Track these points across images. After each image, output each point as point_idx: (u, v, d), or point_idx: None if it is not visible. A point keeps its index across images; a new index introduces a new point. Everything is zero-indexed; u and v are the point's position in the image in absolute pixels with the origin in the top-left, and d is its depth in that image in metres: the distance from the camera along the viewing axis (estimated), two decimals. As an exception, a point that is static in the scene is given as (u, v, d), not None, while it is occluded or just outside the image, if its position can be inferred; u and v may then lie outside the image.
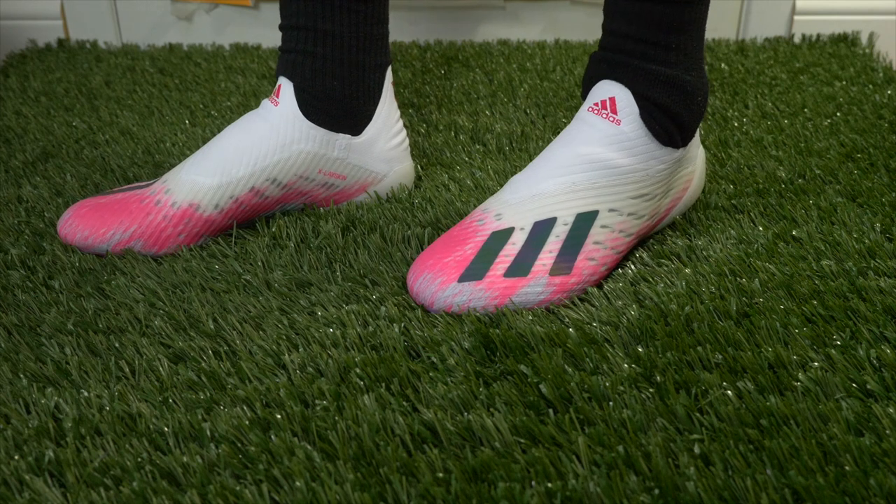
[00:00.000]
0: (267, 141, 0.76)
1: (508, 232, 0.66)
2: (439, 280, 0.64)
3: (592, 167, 0.68)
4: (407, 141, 0.84)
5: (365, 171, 0.81)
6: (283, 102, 0.77)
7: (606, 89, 0.70)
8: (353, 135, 0.79)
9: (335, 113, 0.78)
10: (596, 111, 0.69)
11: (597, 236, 0.67)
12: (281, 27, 0.79)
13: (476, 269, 0.65)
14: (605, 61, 0.70)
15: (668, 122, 0.69)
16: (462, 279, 0.64)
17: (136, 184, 0.79)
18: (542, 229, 0.66)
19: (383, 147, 0.81)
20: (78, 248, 0.75)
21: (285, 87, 0.77)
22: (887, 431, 0.52)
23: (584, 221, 0.67)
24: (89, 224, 0.74)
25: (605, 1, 0.71)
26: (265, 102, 0.78)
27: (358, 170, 0.80)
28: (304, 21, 0.76)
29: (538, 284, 0.65)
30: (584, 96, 0.73)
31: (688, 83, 0.69)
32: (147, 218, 0.74)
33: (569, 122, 0.99)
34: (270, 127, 0.76)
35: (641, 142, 0.69)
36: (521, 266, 0.65)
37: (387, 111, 0.81)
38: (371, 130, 0.80)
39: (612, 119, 0.69)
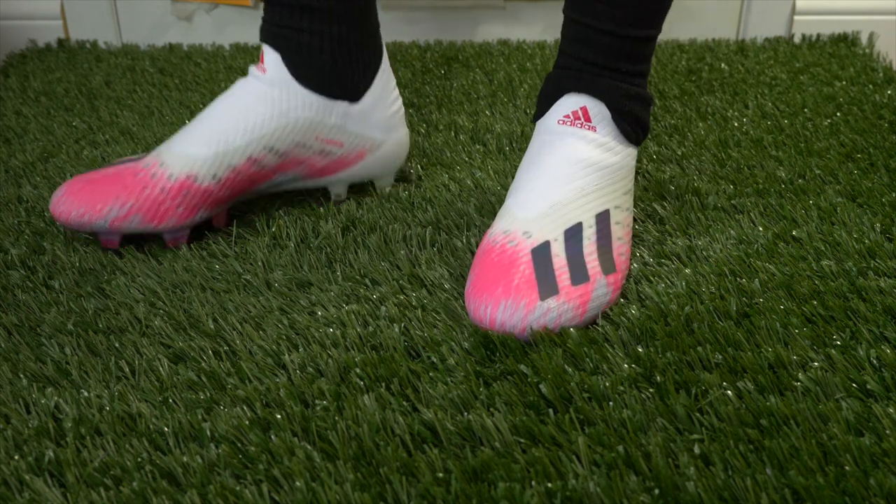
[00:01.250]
0: (263, 108, 0.75)
1: (545, 246, 0.65)
2: (523, 303, 0.62)
3: (592, 170, 0.69)
4: (402, 109, 0.84)
5: (363, 138, 0.80)
6: (272, 68, 0.76)
7: (574, 101, 0.71)
8: (351, 101, 0.79)
9: (329, 83, 0.77)
10: (569, 122, 0.71)
11: (616, 232, 0.69)
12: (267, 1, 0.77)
13: (548, 286, 0.63)
14: (570, 77, 0.71)
15: (635, 125, 0.72)
16: (543, 297, 0.62)
17: (128, 157, 0.77)
18: (573, 235, 0.66)
19: (382, 114, 0.81)
20: (73, 227, 0.73)
21: (270, 55, 0.76)
22: (887, 431, 0.52)
23: (603, 221, 0.68)
24: (84, 200, 0.72)
25: (568, 28, 0.72)
26: (253, 70, 0.77)
27: (356, 137, 0.80)
28: None
29: (601, 286, 0.65)
30: (540, 114, 0.73)
31: (649, 96, 0.73)
32: (144, 191, 0.73)
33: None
34: (266, 94, 0.75)
35: (617, 142, 0.71)
36: (579, 272, 0.64)
37: (385, 78, 0.81)
38: (369, 98, 0.79)
39: (587, 127, 0.70)
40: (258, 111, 0.75)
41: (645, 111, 0.73)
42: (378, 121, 0.81)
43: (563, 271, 0.64)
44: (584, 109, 0.71)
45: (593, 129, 0.70)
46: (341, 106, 0.78)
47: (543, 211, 0.67)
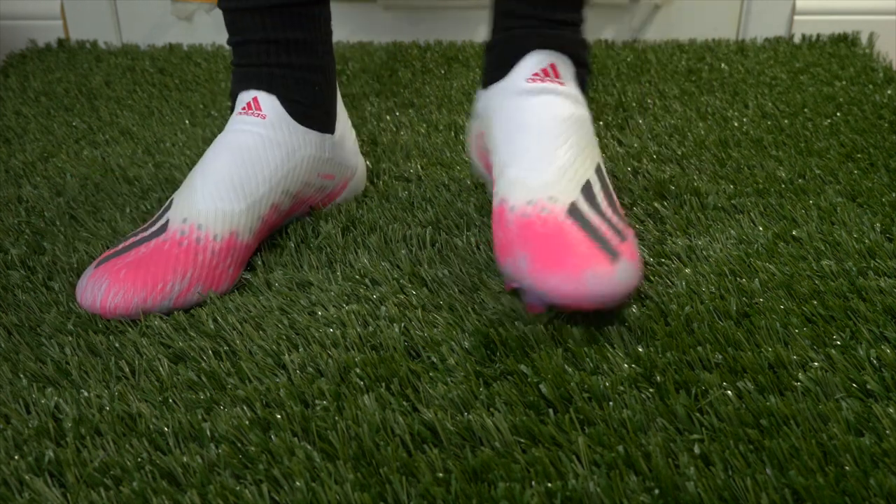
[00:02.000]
0: (275, 154, 0.74)
1: (575, 208, 0.64)
2: (603, 269, 0.59)
3: (578, 125, 0.70)
4: None
5: (345, 168, 0.81)
6: (271, 113, 0.74)
7: (541, 57, 0.71)
8: (332, 132, 0.79)
9: (321, 117, 0.78)
10: (539, 79, 0.71)
11: (609, 185, 0.70)
12: (236, 42, 0.76)
13: (608, 248, 0.61)
14: (531, 35, 0.72)
15: (587, 73, 0.74)
16: (612, 261, 0.60)
17: (134, 232, 0.71)
18: (588, 193, 0.66)
19: (351, 140, 0.82)
20: (127, 317, 0.65)
21: (266, 99, 0.75)
22: (887, 431, 0.52)
23: (600, 174, 0.69)
24: (140, 285, 0.65)
25: None
26: (242, 118, 0.74)
27: (341, 166, 0.80)
28: (268, 34, 0.74)
29: (633, 239, 0.65)
30: (496, 76, 0.73)
31: (588, 42, 0.75)
32: (198, 258, 0.68)
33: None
34: (273, 139, 0.74)
35: (580, 92, 0.73)
36: (615, 230, 0.64)
37: (341, 104, 0.82)
38: (340, 126, 0.80)
39: (558, 82, 0.71)
40: (271, 157, 0.73)
41: (588, 58, 0.75)
42: (350, 148, 0.82)
43: (605, 230, 0.63)
44: (553, 66, 0.71)
45: (562, 83, 0.71)
46: (329, 138, 0.78)
47: (556, 173, 0.66)
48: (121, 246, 0.69)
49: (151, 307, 0.66)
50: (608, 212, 0.65)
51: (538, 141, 0.68)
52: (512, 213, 0.65)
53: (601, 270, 0.59)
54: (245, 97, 0.75)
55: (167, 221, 0.70)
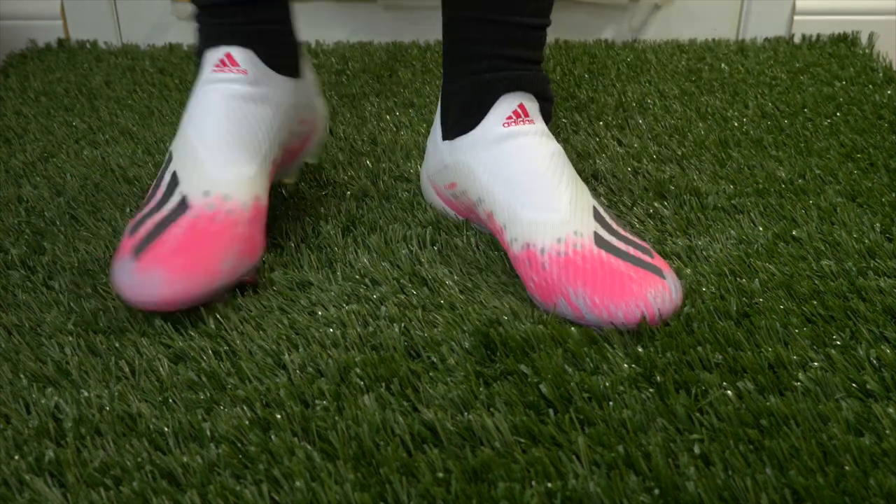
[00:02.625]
0: (265, 110, 0.72)
1: (599, 238, 0.66)
2: (660, 286, 0.62)
3: (561, 159, 0.71)
4: None
5: (314, 110, 0.81)
6: (252, 67, 0.72)
7: (512, 100, 0.72)
8: (303, 77, 0.78)
9: (296, 64, 0.77)
10: (513, 122, 0.72)
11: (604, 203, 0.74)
12: (203, 5, 0.73)
13: (648, 267, 0.64)
14: (500, 79, 0.72)
15: (550, 106, 0.76)
16: (661, 277, 0.63)
17: (146, 213, 0.67)
18: (600, 220, 0.68)
19: (312, 81, 0.81)
20: (191, 305, 0.63)
21: (241, 53, 0.72)
22: (887, 431, 0.52)
23: (595, 197, 0.72)
24: (198, 269, 0.63)
25: (481, 32, 0.72)
26: (218, 76, 0.71)
27: (311, 109, 0.80)
28: None
29: (652, 248, 0.70)
30: (468, 127, 0.73)
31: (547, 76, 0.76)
32: (236, 231, 0.66)
33: (569, 122, 0.99)
34: (259, 95, 0.72)
35: (546, 127, 0.74)
36: (639, 248, 0.66)
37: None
38: (304, 67, 0.80)
39: (528, 122, 0.72)
40: (262, 112, 0.72)
41: (550, 91, 0.76)
42: (314, 89, 0.81)
43: (632, 251, 0.66)
44: (521, 106, 0.72)
45: (532, 121, 0.72)
46: (301, 82, 0.77)
47: (568, 208, 0.68)
48: (143, 230, 0.65)
49: (210, 291, 0.64)
50: (621, 231, 0.67)
51: (539, 182, 0.69)
52: (544, 256, 0.66)
53: (658, 288, 0.62)
54: (216, 54, 0.72)
55: (184, 197, 0.66)
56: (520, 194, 0.69)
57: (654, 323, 0.62)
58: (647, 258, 0.65)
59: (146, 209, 0.68)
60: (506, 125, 0.71)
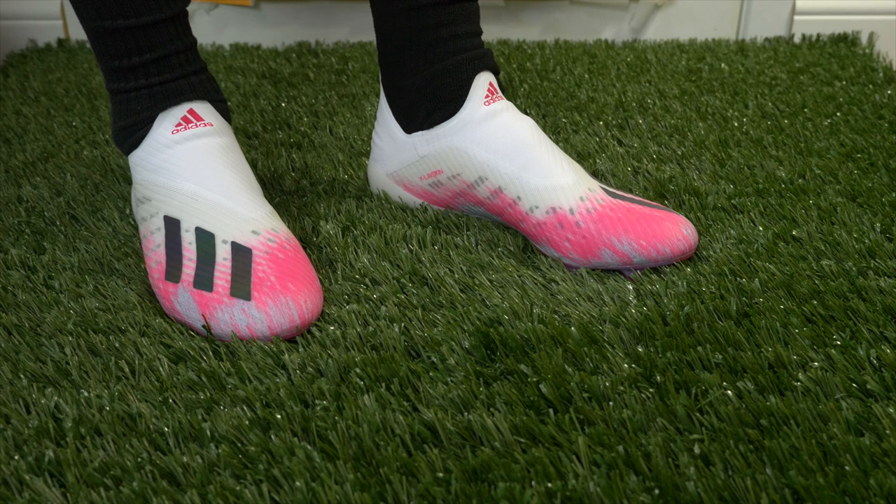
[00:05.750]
0: (239, 156, 0.72)
1: (608, 191, 0.71)
2: (684, 220, 0.70)
3: (539, 128, 0.74)
4: None
5: None
6: (214, 120, 0.71)
7: (483, 79, 0.74)
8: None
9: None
10: (491, 100, 0.73)
11: None
12: (147, 61, 0.69)
13: (663, 206, 0.71)
14: (471, 59, 0.74)
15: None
16: (678, 212, 0.72)
17: (191, 271, 0.65)
18: (594, 177, 0.73)
19: None
20: (315, 319, 0.64)
21: (202, 107, 0.71)
22: (887, 431, 0.52)
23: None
24: (309, 287, 0.64)
25: (440, 16, 0.72)
26: (186, 133, 0.69)
27: None
28: (178, 44, 0.70)
29: None
30: (449, 113, 0.74)
31: None
32: (301, 252, 0.68)
33: (569, 122, 0.99)
34: (229, 145, 0.71)
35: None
36: (632, 194, 0.72)
37: None
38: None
39: (499, 97, 0.74)
40: (240, 160, 0.71)
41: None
42: None
43: (637, 197, 0.72)
44: (491, 84, 0.74)
45: (501, 97, 0.74)
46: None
47: (573, 170, 0.71)
48: (223, 279, 0.64)
49: (319, 308, 0.65)
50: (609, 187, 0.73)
51: (535, 152, 0.71)
52: (574, 215, 0.69)
53: (684, 221, 0.70)
54: (177, 112, 0.70)
55: (234, 243, 0.66)
56: (525, 165, 0.71)
57: (691, 252, 0.69)
58: (649, 201, 0.71)
59: (189, 268, 0.65)
60: (486, 103, 0.73)
